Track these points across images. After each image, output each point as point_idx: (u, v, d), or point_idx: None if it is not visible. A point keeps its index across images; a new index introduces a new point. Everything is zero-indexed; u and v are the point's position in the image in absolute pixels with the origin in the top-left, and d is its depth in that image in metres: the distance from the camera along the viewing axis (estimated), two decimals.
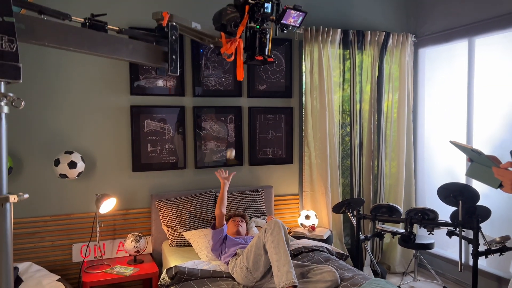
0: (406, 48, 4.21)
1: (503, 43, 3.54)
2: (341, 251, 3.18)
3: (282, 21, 1.92)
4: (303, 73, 3.97)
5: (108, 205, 3.14)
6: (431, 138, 4.30)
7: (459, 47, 3.91)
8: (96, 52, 1.41)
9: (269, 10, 1.85)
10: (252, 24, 1.86)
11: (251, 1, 1.84)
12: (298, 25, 1.98)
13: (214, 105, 3.69)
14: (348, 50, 4.08)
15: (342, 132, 4.19)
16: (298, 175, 4.06)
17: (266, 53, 1.89)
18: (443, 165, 4.18)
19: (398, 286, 3.79)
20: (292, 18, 1.97)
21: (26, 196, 1.11)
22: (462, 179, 3.88)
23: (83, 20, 1.43)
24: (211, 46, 1.91)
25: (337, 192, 4.03)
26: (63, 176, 3.04)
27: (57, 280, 2.78)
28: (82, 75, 3.30)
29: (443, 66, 4.14)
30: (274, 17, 1.89)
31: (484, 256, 3.16)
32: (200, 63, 3.61)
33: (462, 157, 3.91)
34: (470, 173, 1.68)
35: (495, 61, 3.60)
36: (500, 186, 1.49)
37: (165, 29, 1.60)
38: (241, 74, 1.91)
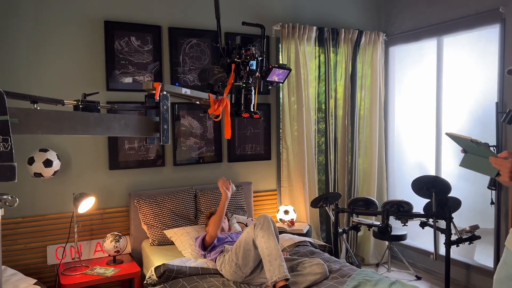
0: (377, 46, 4.34)
1: (469, 43, 3.73)
2: (324, 243, 3.24)
3: (267, 79, 1.95)
4: None
5: (86, 205, 3.03)
6: (402, 133, 4.47)
7: (428, 45, 4.08)
8: (89, 134, 1.40)
9: (254, 67, 1.89)
10: (238, 83, 1.90)
11: (237, 60, 1.88)
12: (282, 81, 2.03)
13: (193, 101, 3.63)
14: (323, 48, 4.15)
15: (318, 129, 4.26)
16: (276, 171, 4.09)
17: (252, 109, 1.93)
18: (413, 159, 4.36)
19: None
20: (277, 76, 2.02)
21: None
22: (431, 172, 4.06)
23: (75, 102, 1.40)
24: (197, 102, 1.93)
25: (314, 187, 4.10)
26: (38, 175, 2.90)
27: (34, 284, 2.66)
28: (56, 70, 3.16)
29: (413, 64, 4.31)
30: (259, 74, 1.92)
31: (456, 245, 3.33)
32: (178, 59, 3.56)
33: (432, 151, 4.09)
34: (464, 164, 1.74)
35: (462, 60, 3.79)
36: (498, 175, 1.56)
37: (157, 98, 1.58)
38: (228, 133, 1.92)
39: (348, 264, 2.73)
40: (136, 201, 3.30)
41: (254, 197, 3.93)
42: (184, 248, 3.01)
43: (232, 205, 3.59)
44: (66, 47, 3.19)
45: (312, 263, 2.51)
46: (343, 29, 4.19)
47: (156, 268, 2.56)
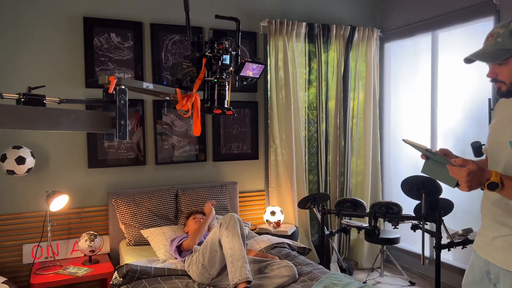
0: (372, 42, 4.19)
1: (463, 37, 3.55)
2: (303, 245, 3.11)
3: (241, 74, 1.87)
4: (268, 67, 3.89)
5: (59, 203, 2.98)
6: (398, 132, 4.30)
7: (423, 41, 3.92)
8: (34, 128, 1.33)
9: (227, 62, 1.82)
10: (210, 78, 1.82)
11: (208, 54, 1.80)
12: (258, 77, 1.96)
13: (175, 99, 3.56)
14: (314, 44, 4.03)
15: (309, 128, 4.14)
16: (264, 170, 3.98)
17: (226, 105, 1.85)
18: (410, 159, 4.18)
19: (364, 282, 3.76)
20: (251, 71, 1.95)
21: None
22: None
23: (17, 96, 1.34)
24: (167, 98, 1.86)
25: (303, 187, 3.98)
26: (11, 172, 2.86)
27: (3, 283, 2.62)
28: (34, 68, 3.14)
29: (409, 61, 4.14)
30: (232, 69, 1.84)
31: (447, 249, 3.16)
32: (160, 55, 3.49)
33: None
34: (426, 171, 1.59)
35: (457, 55, 3.61)
36: (458, 185, 1.41)
37: (113, 92, 1.52)
38: (197, 130, 1.83)
39: (320, 266, 2.60)
40: (113, 200, 3.24)
41: (240, 197, 3.83)
42: (159, 249, 2.92)
43: (215, 205, 3.49)
44: (43, 43, 3.16)
45: (280, 265, 2.39)
46: (335, 25, 4.06)
47: (119, 268, 2.48)
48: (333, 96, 4.14)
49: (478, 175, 1.35)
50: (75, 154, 3.28)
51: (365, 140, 4.23)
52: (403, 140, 1.73)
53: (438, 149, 1.63)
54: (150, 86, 1.87)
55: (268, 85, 3.89)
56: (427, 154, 1.59)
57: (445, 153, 1.61)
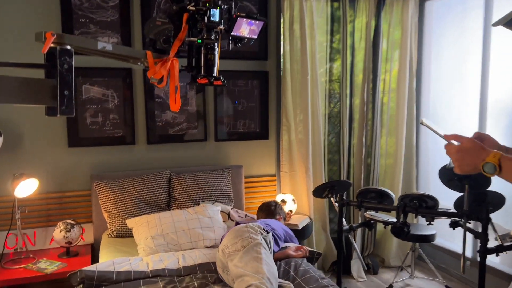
0: (409, 1, 3.48)
1: None
2: (313, 249, 2.52)
3: (232, 33, 1.47)
4: (282, 30, 3.29)
5: (27, 187, 2.59)
6: (439, 109, 3.61)
7: None
8: None
9: (216, 18, 1.44)
10: (193, 38, 1.44)
11: (190, 8, 1.43)
12: (255, 37, 1.54)
13: None
14: (338, 3, 3.38)
15: (330, 104, 3.54)
16: (275, 152, 3.44)
17: (214, 74, 1.48)
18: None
19: (390, 285, 3.20)
20: (247, 29, 1.52)
21: None
22: None
23: None
24: (139, 64, 1.46)
25: (320, 172, 3.41)
26: None
27: None
28: (3, 31, 2.71)
29: (455, 22, 3.41)
30: (223, 27, 1.45)
31: (495, 254, 2.54)
32: (151, 16, 2.98)
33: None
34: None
35: None
36: None
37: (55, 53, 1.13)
38: (175, 105, 1.44)
39: None
40: (95, 184, 2.82)
41: (246, 183, 3.32)
42: (139, 241, 2.49)
43: (214, 191, 3.02)
44: (13, 3, 2.72)
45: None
46: None
47: (72, 276, 2.04)
48: (361, 66, 3.50)
49: (472, 154, 1.15)
50: (53, 131, 2.87)
51: (398, 116, 3.58)
52: (421, 122, 1.40)
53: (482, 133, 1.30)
54: (108, 46, 1.42)
55: (281, 52, 3.30)
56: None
57: (481, 138, 1.27)
